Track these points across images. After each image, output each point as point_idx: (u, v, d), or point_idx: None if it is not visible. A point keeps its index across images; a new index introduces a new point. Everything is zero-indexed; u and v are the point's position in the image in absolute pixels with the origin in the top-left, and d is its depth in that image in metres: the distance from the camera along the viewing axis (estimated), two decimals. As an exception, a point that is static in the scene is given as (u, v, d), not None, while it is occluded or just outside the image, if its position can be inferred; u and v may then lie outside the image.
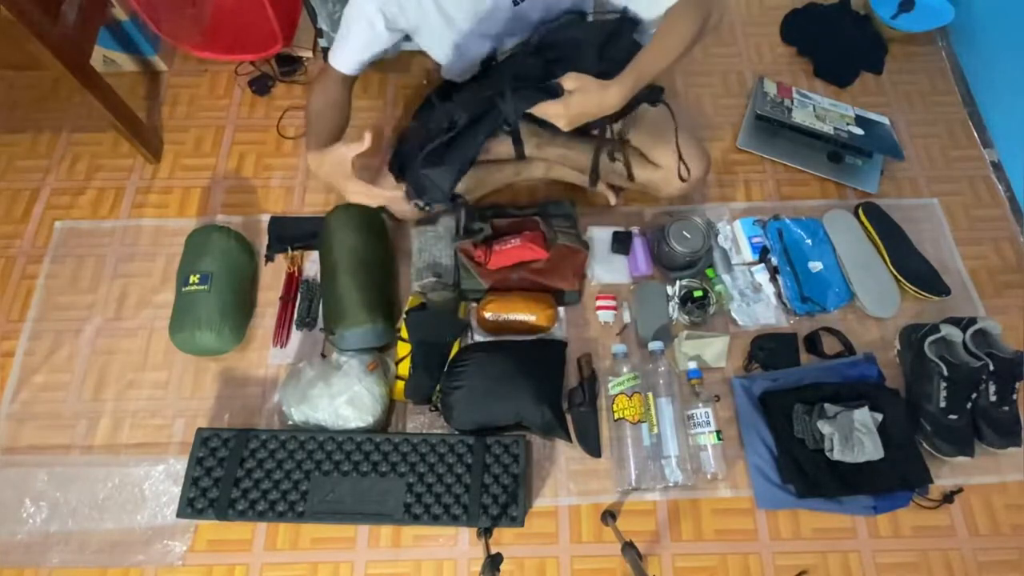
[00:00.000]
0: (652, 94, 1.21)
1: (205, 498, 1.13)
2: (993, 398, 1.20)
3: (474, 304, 1.33)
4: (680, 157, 1.22)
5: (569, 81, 1.06)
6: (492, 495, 1.13)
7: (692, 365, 1.25)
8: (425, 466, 1.15)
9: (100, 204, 1.48)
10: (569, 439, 1.21)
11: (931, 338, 1.22)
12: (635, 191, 1.40)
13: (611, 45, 1.18)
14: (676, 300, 1.33)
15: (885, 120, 1.57)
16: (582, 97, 1.06)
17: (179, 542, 1.15)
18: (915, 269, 1.36)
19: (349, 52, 1.16)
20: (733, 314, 1.34)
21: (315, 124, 1.17)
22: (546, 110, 1.07)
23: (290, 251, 1.40)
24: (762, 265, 1.37)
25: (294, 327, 1.34)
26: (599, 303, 1.34)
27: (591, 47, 1.16)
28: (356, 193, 1.11)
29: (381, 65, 1.63)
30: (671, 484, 1.17)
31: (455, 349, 1.27)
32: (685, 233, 1.32)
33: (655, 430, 1.19)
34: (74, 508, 1.18)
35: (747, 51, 1.72)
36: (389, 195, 1.14)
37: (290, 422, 1.21)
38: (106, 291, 1.38)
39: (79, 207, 1.47)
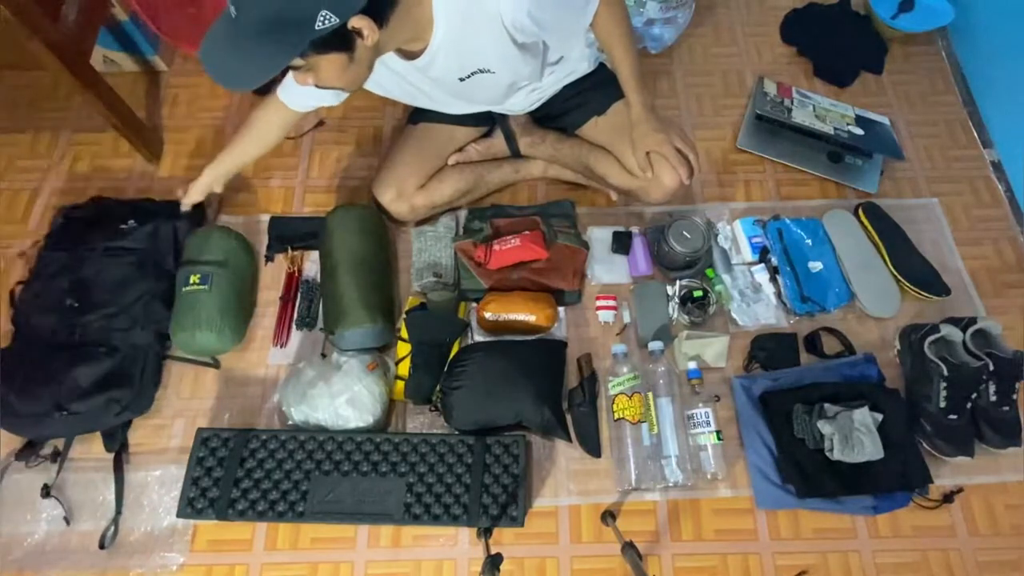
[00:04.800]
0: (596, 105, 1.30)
1: (205, 498, 1.13)
2: (993, 398, 1.19)
3: (474, 304, 1.33)
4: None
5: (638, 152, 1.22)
6: (492, 495, 1.13)
7: (692, 365, 1.25)
8: (425, 466, 1.15)
9: (100, 204, 1.47)
10: (569, 439, 1.21)
11: (931, 338, 1.21)
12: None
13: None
14: (676, 300, 1.32)
15: (885, 120, 1.57)
16: (653, 136, 1.21)
17: (179, 542, 1.15)
18: (915, 269, 1.36)
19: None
20: (733, 314, 1.34)
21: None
22: (673, 157, 1.20)
23: (290, 251, 1.40)
24: (762, 265, 1.37)
25: (294, 327, 1.34)
26: (599, 303, 1.34)
27: None
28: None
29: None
30: (671, 484, 1.17)
31: (455, 349, 1.27)
32: (685, 233, 1.32)
33: (655, 430, 1.19)
34: (73, 511, 1.18)
35: (747, 51, 1.72)
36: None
37: (290, 422, 1.21)
38: (106, 291, 1.38)
39: (79, 207, 1.47)
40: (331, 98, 1.21)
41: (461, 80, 1.12)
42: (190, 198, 1.31)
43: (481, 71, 1.11)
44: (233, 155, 1.30)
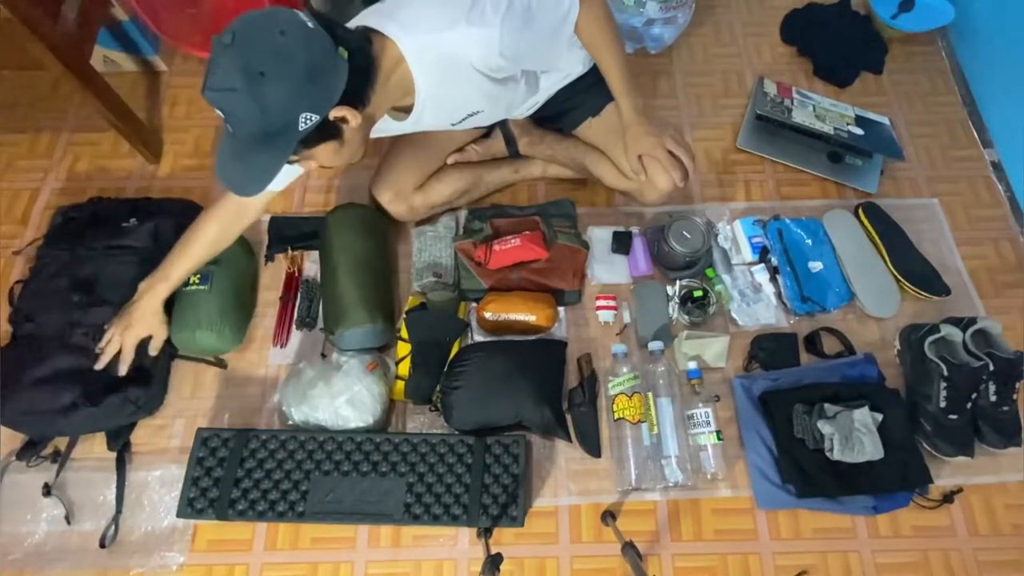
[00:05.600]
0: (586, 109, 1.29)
1: (205, 498, 1.13)
2: (993, 398, 1.19)
3: (474, 304, 1.33)
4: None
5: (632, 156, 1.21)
6: (492, 495, 1.13)
7: (692, 365, 1.25)
8: (425, 466, 1.15)
9: (100, 204, 1.47)
10: (569, 439, 1.21)
11: (931, 338, 1.21)
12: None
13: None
14: (676, 300, 1.33)
15: (885, 120, 1.57)
16: (645, 140, 1.18)
17: (179, 542, 1.15)
18: (915, 269, 1.36)
19: None
20: (733, 314, 1.34)
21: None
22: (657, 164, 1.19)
23: (290, 251, 1.40)
24: (762, 265, 1.37)
25: (294, 327, 1.34)
26: (599, 303, 1.34)
27: None
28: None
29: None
30: (671, 484, 1.17)
31: (455, 349, 1.27)
32: (685, 233, 1.32)
33: (655, 430, 1.19)
34: (74, 511, 1.18)
35: (747, 51, 1.72)
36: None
37: (290, 422, 1.21)
38: (106, 291, 1.38)
39: (79, 207, 1.47)
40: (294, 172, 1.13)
41: (454, 125, 1.17)
42: (128, 353, 1.18)
43: (471, 114, 1.14)
44: (181, 270, 1.18)
